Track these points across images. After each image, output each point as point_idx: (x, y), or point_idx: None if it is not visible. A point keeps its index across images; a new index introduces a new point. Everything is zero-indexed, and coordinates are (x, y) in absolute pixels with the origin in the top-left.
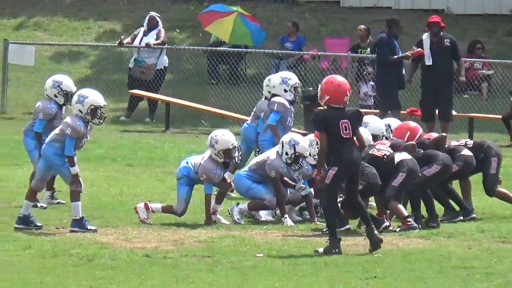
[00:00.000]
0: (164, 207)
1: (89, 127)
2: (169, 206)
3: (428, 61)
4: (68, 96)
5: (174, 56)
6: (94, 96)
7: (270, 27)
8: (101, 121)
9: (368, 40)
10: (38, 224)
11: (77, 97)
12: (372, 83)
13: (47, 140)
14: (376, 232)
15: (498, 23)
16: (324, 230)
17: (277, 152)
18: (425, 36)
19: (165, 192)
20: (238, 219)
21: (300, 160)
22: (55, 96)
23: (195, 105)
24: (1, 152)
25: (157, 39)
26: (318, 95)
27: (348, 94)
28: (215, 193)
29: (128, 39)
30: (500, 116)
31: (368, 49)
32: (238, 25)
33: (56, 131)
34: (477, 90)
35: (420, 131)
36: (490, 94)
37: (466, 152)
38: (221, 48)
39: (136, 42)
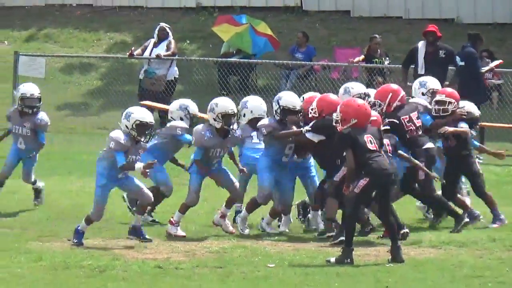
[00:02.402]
0: (180, 209)
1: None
2: (183, 204)
3: (421, 70)
4: (192, 120)
5: (185, 67)
6: (140, 113)
7: (280, 38)
8: (148, 138)
9: (378, 50)
10: (148, 237)
11: (124, 113)
12: None
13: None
14: (401, 251)
15: (508, 32)
16: (333, 241)
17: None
18: (421, 45)
19: (178, 203)
20: (241, 229)
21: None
22: (181, 118)
23: (205, 115)
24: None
25: (167, 50)
26: (339, 117)
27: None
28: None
29: (138, 51)
30: (511, 126)
31: (386, 58)
32: (244, 33)
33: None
34: (488, 99)
35: (402, 93)
36: (501, 104)
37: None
38: (231, 59)
39: (146, 54)
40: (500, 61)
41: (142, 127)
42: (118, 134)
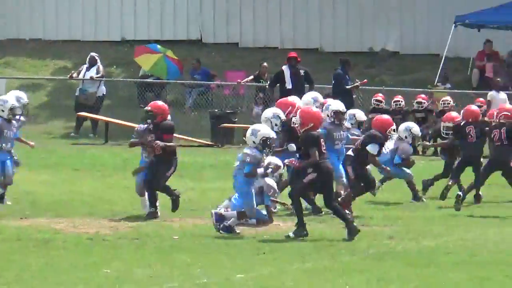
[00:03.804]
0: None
1: None
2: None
3: (289, 85)
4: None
5: (112, 86)
6: (265, 130)
7: (185, 64)
8: (270, 150)
9: (266, 74)
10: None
11: (250, 131)
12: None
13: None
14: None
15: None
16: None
17: None
18: (285, 68)
19: (105, 190)
20: None
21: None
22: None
23: (128, 123)
24: None
25: (97, 73)
26: (299, 122)
27: None
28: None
29: (75, 74)
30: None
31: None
32: (160, 61)
33: (237, 162)
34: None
35: (393, 125)
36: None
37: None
38: (147, 80)
39: (80, 76)
40: (365, 80)
41: (266, 141)
42: (252, 151)
